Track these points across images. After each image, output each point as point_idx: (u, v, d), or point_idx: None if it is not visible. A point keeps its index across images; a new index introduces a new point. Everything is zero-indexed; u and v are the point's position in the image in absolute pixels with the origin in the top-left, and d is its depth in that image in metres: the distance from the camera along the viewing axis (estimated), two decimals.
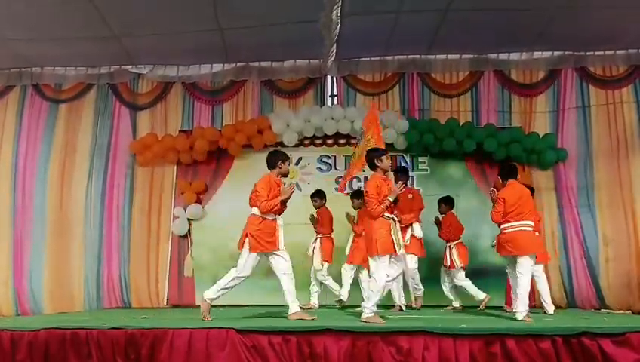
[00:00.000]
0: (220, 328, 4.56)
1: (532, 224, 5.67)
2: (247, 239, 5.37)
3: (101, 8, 7.02)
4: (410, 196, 6.91)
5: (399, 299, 6.93)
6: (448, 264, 7.21)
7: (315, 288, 7.46)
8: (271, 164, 5.63)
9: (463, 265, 7.17)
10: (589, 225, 8.20)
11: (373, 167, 5.40)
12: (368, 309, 5.08)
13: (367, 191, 5.27)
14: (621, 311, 7.66)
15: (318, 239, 7.42)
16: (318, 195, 7.57)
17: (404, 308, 6.87)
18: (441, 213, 7.49)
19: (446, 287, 7.40)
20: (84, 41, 7.95)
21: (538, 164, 8.37)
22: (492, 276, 7.72)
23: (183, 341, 4.47)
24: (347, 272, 7.17)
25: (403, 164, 8.54)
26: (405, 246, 6.14)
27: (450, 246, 7.26)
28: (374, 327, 4.58)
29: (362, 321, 5.00)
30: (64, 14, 7.15)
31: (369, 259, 5.32)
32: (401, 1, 7.08)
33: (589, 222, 8.21)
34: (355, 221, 7.18)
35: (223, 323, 4.78)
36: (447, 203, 7.48)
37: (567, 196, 8.30)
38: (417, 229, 7.00)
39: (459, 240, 7.31)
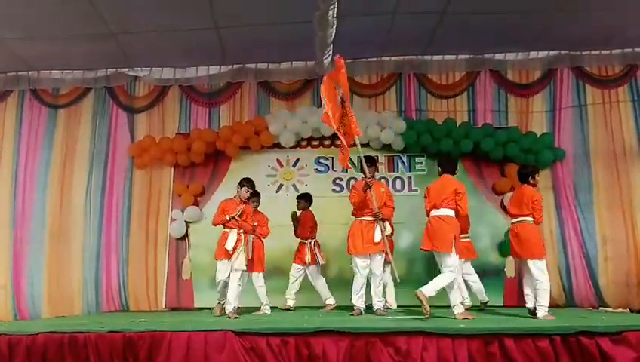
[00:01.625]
0: (218, 330, 4.55)
1: None
2: (454, 241, 5.53)
3: (98, 7, 6.99)
4: (382, 190, 6.45)
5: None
6: (309, 261, 7.28)
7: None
8: (452, 169, 6.03)
9: (324, 262, 7.41)
10: (587, 224, 8.21)
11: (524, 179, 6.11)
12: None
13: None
14: (619, 310, 7.68)
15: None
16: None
17: (363, 312, 6.25)
18: (299, 209, 7.54)
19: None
20: (81, 42, 7.92)
21: (535, 163, 8.32)
22: (490, 276, 7.73)
23: (181, 344, 4.46)
24: None
25: (400, 165, 8.58)
26: (376, 244, 6.10)
27: (311, 243, 7.35)
28: (373, 328, 4.57)
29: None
30: (61, 14, 7.13)
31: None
32: (397, 2, 7.10)
33: (587, 221, 8.22)
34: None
35: (221, 325, 4.78)
36: (306, 200, 7.54)
37: (565, 195, 8.31)
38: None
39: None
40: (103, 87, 9.07)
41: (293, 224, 7.48)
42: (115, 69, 8.96)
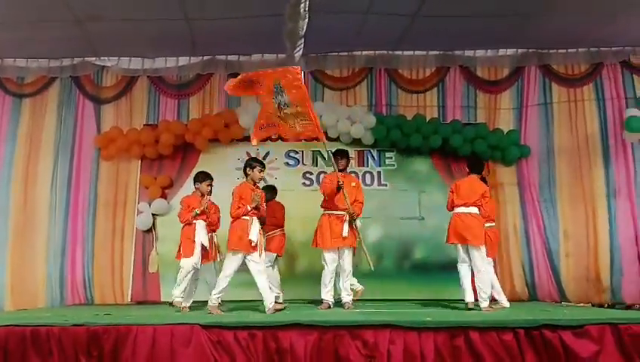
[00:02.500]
0: (184, 324, 4.51)
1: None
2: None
3: None
4: (352, 184, 6.46)
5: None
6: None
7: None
8: (480, 170, 6.41)
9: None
10: (550, 220, 8.39)
11: None
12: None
13: None
14: (581, 304, 7.86)
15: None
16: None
17: (331, 306, 6.27)
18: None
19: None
20: (46, 30, 7.72)
21: (502, 160, 8.51)
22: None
23: (147, 337, 4.40)
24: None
25: (370, 159, 8.62)
26: (345, 239, 6.09)
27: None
28: (341, 321, 4.59)
29: None
30: (27, 1, 6.97)
31: None
32: (370, 3, 7.13)
33: (550, 217, 8.40)
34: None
35: (188, 318, 4.74)
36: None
37: (530, 191, 8.47)
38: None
39: None
40: (69, 77, 8.87)
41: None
42: (81, 58, 8.76)
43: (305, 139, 6.66)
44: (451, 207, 6.21)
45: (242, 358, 4.36)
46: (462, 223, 6.04)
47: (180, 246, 6.44)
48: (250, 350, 4.39)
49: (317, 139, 6.02)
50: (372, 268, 6.30)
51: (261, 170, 5.90)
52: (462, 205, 6.09)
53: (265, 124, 5.92)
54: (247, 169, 5.88)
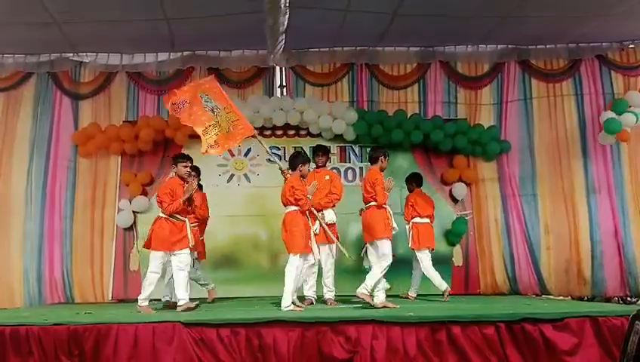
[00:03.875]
0: (166, 322, 4.48)
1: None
2: None
3: None
4: (326, 178, 6.54)
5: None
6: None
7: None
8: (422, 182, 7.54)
9: None
10: (531, 214, 8.46)
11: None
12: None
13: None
14: (561, 297, 7.96)
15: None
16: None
17: (314, 302, 6.37)
18: None
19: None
20: (22, 27, 7.58)
21: (482, 155, 8.56)
22: (440, 264, 7.87)
23: (129, 336, 4.38)
24: None
25: (352, 155, 8.64)
26: (317, 235, 6.03)
27: None
28: (323, 318, 4.59)
29: None
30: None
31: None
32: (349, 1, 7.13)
33: (531, 211, 8.47)
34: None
35: (170, 316, 4.71)
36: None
37: (510, 186, 8.54)
38: (330, 214, 6.44)
39: None
40: (46, 72, 8.71)
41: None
42: (59, 54, 8.63)
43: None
44: (411, 217, 7.19)
45: (225, 355, 4.36)
46: (425, 230, 7.13)
47: (306, 238, 5.74)
48: (233, 347, 4.38)
49: (253, 136, 6.33)
50: (349, 256, 6.28)
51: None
52: (426, 216, 7.19)
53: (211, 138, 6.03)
54: (382, 157, 6.17)
